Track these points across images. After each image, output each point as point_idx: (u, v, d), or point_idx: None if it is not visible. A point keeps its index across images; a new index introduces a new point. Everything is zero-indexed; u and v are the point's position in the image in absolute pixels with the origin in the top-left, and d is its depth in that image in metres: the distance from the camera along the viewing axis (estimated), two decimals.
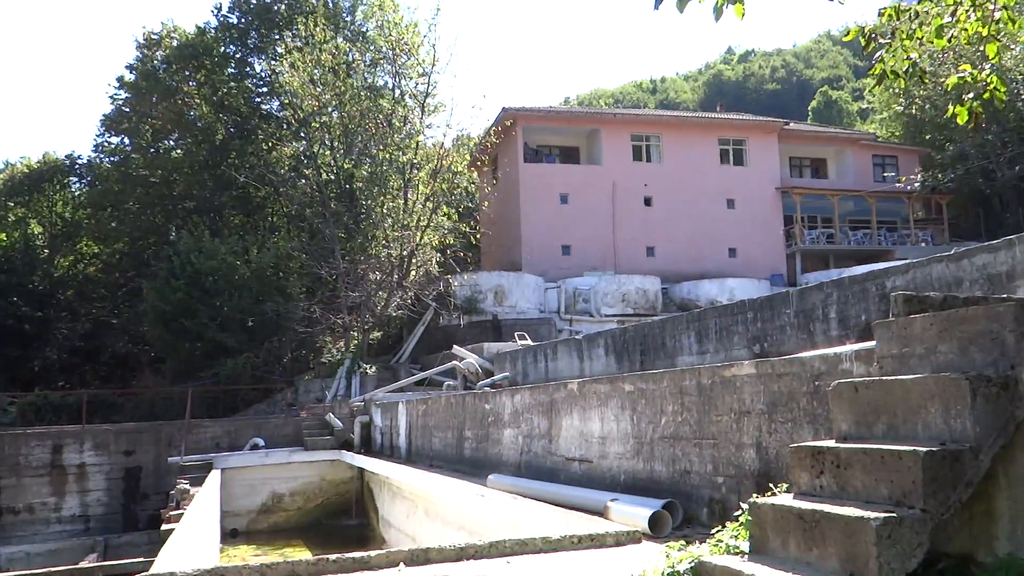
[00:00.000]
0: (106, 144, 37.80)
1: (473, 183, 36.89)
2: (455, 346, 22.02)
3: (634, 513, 5.70)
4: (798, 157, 42.29)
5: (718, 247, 37.33)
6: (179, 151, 35.55)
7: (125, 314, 33.58)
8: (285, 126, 33.06)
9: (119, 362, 33.01)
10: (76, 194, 40.41)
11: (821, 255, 38.12)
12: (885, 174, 38.95)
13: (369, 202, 27.75)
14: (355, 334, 27.48)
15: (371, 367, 26.03)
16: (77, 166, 39.67)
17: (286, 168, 28.43)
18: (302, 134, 29.20)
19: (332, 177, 28.38)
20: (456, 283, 28.35)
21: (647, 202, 37.43)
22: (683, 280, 34.71)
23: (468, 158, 30.10)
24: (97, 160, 38.19)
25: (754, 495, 5.43)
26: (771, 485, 5.22)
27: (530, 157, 37.83)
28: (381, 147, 27.63)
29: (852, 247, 38.03)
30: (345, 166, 28.39)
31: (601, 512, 6.31)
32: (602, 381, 7.61)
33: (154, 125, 35.52)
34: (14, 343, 30.72)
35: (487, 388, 19.56)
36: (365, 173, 27.69)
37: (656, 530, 5.57)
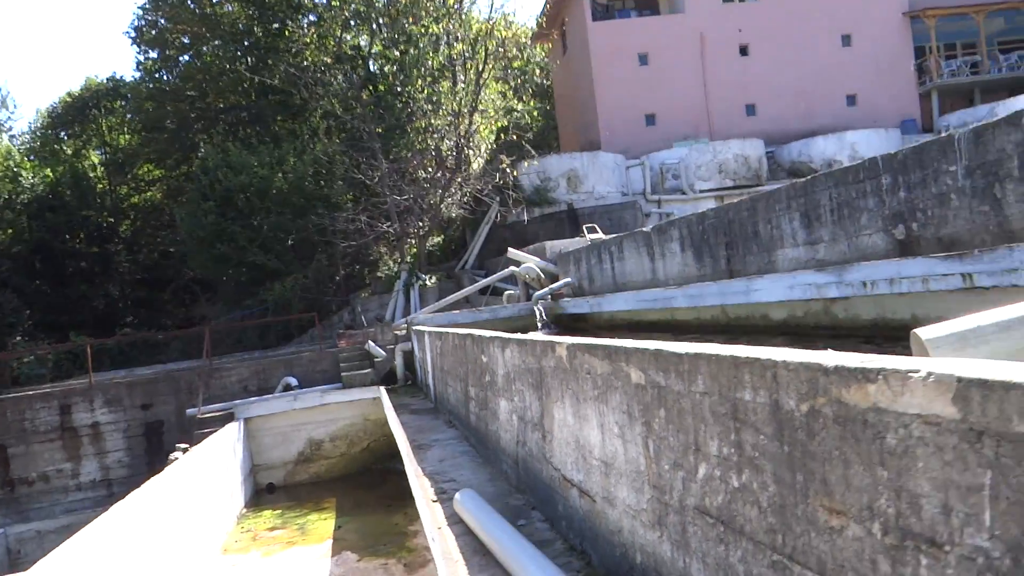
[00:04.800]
0: (148, 60, 35.23)
1: (533, 57, 32.38)
2: (511, 249, 18.46)
3: None
4: None
5: (834, 96, 31.47)
6: (210, 57, 32.44)
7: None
8: (311, 17, 29.22)
9: (181, 295, 31.36)
10: (128, 118, 38.40)
11: (964, 91, 31.61)
12: None
13: (408, 88, 23.88)
14: (412, 242, 24.33)
15: (431, 278, 22.94)
16: (121, 88, 37.43)
17: (310, 61, 24.77)
18: (321, 18, 25.34)
19: (359, 63, 24.58)
20: (517, 172, 24.44)
21: (743, 51, 31.75)
22: (794, 140, 29.40)
23: (514, 25, 25.46)
24: (142, 79, 35.75)
25: None
26: None
27: (600, 14, 32.62)
28: (411, 20, 23.48)
29: (1003, 75, 31.21)
30: (378, 47, 24.50)
31: None
32: (596, 351, 3.87)
33: (184, 31, 32.43)
34: (73, 283, 29.42)
35: (547, 297, 16.04)
36: (397, 54, 23.73)
37: None
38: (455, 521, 5.34)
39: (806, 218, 8.71)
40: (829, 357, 2.09)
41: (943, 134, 7.07)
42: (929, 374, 1.68)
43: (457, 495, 5.48)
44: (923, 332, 2.46)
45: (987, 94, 30.57)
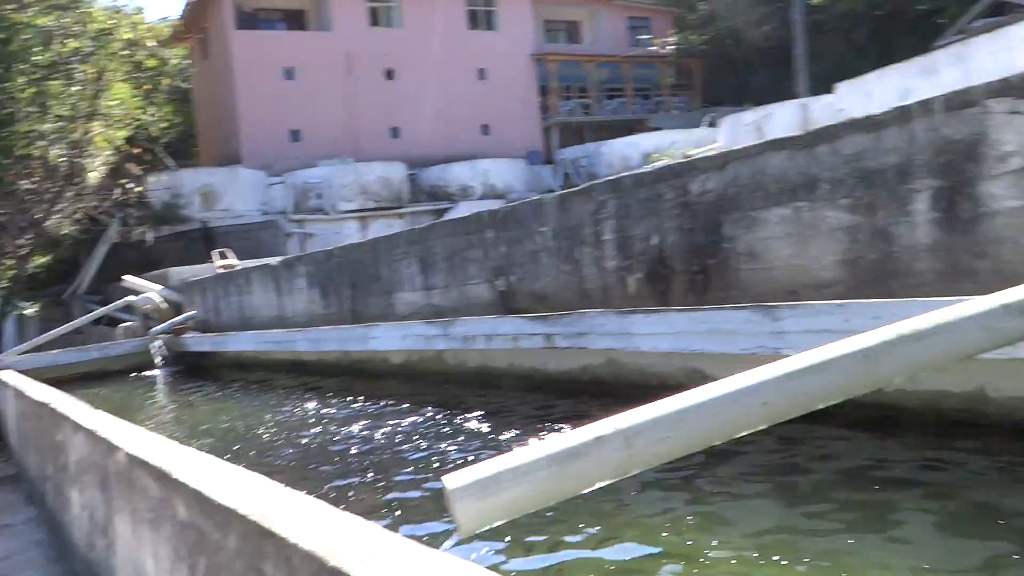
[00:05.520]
0: None
1: (169, 59, 29.93)
2: (127, 276, 16.64)
3: None
4: (553, 20, 38.69)
5: (470, 125, 33.46)
6: None
7: None
8: None
9: None
10: None
11: (577, 128, 35.69)
12: (639, 37, 36.75)
13: (8, 85, 20.43)
14: (8, 262, 20.84)
15: (33, 306, 19.85)
16: None
17: None
18: None
19: None
20: (144, 186, 22.24)
21: (389, 75, 32.43)
22: (434, 164, 30.67)
23: (141, 26, 23.26)
24: None
25: None
26: None
27: (245, 23, 31.08)
28: (12, 7, 20.17)
29: (607, 117, 35.86)
30: None
31: None
32: (151, 471, 3.37)
33: None
34: None
35: (166, 333, 14.67)
36: None
37: None
38: None
39: (423, 264, 8.95)
40: (338, 546, 1.91)
41: (549, 196, 7.68)
42: None
43: None
44: (449, 481, 2.42)
45: (595, 133, 34.75)
